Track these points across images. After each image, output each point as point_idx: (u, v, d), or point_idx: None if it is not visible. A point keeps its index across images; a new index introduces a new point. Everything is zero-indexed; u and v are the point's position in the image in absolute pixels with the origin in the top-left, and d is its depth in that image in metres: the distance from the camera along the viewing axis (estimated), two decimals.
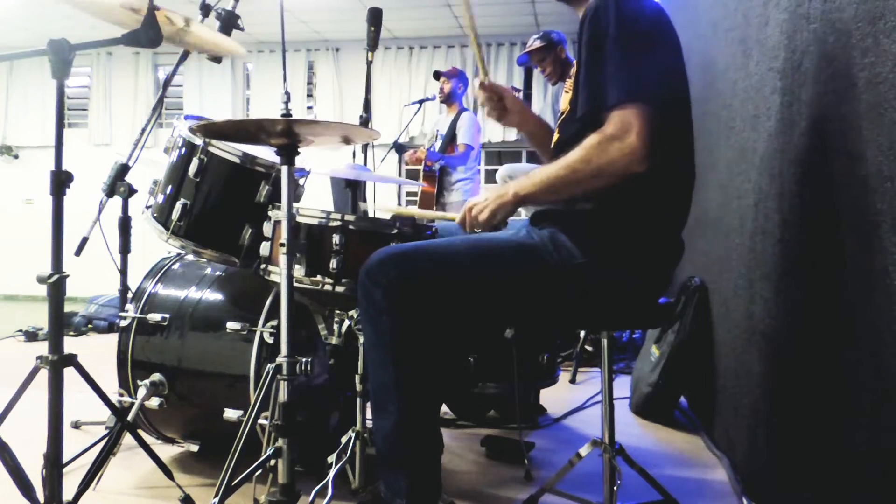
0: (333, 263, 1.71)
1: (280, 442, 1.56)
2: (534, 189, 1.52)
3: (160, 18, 1.61)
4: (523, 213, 3.89)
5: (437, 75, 4.96)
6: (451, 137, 4.89)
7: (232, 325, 1.97)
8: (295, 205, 1.68)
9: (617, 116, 1.42)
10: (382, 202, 4.35)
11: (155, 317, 2.08)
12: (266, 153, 2.03)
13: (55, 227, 1.48)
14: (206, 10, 2.09)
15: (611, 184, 1.46)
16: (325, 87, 7.67)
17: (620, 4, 1.47)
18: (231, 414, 1.95)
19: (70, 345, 1.50)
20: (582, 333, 3.69)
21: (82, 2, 1.71)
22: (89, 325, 5.13)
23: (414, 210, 4.75)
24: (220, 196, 2.06)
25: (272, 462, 1.59)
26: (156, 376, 2.04)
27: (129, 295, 2.25)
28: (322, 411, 2.16)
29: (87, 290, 5.15)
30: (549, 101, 4.24)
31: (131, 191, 2.13)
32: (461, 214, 1.60)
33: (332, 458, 1.87)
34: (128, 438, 1.91)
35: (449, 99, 4.88)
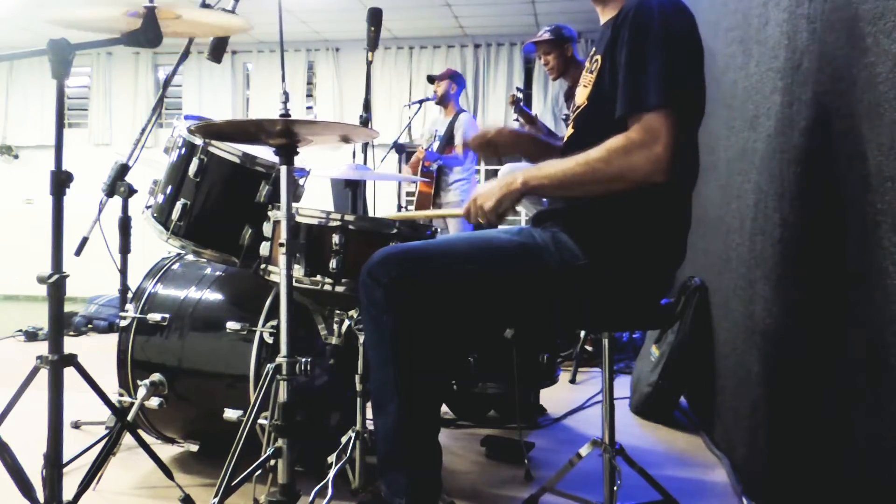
0: (333, 263, 1.71)
1: (280, 442, 1.56)
2: (545, 181, 1.50)
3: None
4: (523, 217, 3.89)
5: (430, 79, 4.97)
6: (448, 139, 4.89)
7: (232, 325, 1.97)
8: (294, 205, 1.68)
9: (645, 122, 1.41)
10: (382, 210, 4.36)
11: (155, 317, 2.08)
12: (266, 153, 2.02)
13: (55, 227, 1.48)
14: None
15: (626, 189, 1.45)
16: (325, 87, 7.67)
17: (664, 7, 1.47)
18: (231, 414, 1.95)
19: (70, 345, 1.50)
20: (582, 333, 3.69)
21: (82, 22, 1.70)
22: (89, 325, 5.12)
23: (414, 213, 4.76)
24: (220, 196, 2.06)
25: (272, 462, 1.59)
26: (156, 376, 2.04)
27: (129, 295, 2.25)
28: (322, 411, 2.16)
29: (87, 290, 5.15)
30: (550, 102, 4.23)
31: (131, 191, 2.13)
32: (466, 205, 1.59)
33: (332, 458, 1.87)
34: (128, 438, 1.91)
35: (444, 101, 4.89)
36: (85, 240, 1.90)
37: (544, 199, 3.73)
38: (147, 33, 1.56)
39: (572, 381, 3.55)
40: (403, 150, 5.11)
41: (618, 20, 1.52)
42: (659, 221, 1.57)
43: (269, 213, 1.84)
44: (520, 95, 4.20)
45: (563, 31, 3.81)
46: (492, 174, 7.31)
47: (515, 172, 1.53)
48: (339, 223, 1.73)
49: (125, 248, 2.63)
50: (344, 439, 1.91)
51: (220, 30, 1.93)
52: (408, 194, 6.80)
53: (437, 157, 4.76)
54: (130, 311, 2.13)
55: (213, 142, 2.01)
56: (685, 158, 1.56)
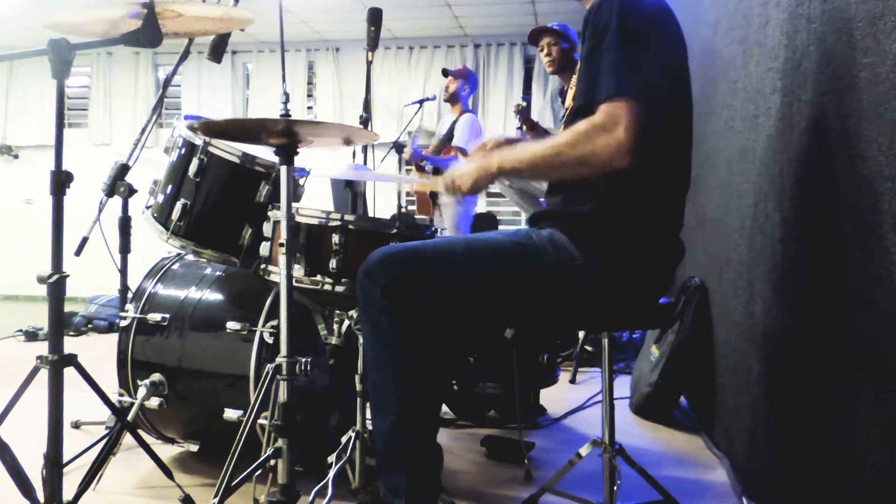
0: (333, 263, 1.71)
1: (280, 442, 1.56)
2: (518, 165, 1.53)
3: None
4: (522, 218, 3.89)
5: (445, 73, 4.88)
6: (448, 138, 4.85)
7: (232, 325, 1.97)
8: (294, 205, 1.68)
9: (606, 109, 1.42)
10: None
11: (155, 317, 2.08)
12: (266, 153, 2.03)
13: (55, 227, 1.48)
14: None
15: (593, 174, 1.47)
16: (325, 87, 7.67)
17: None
18: (231, 414, 1.95)
19: (70, 345, 1.50)
20: (582, 333, 3.69)
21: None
22: (89, 325, 5.12)
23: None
24: (220, 196, 2.06)
25: (272, 462, 1.59)
26: (156, 376, 2.04)
27: (129, 295, 2.25)
28: (322, 411, 2.16)
29: (87, 290, 5.14)
30: (549, 101, 4.23)
31: (131, 191, 2.13)
32: (444, 181, 1.60)
33: (332, 458, 1.87)
34: (128, 438, 1.91)
35: (453, 99, 4.81)
36: (85, 240, 1.90)
37: (542, 200, 3.74)
38: (147, 33, 1.56)
39: (572, 381, 3.55)
40: (403, 150, 5.08)
41: (587, 15, 1.53)
42: (655, 219, 1.57)
43: (269, 213, 1.84)
44: (524, 104, 4.25)
45: (570, 33, 3.84)
46: None
47: (492, 154, 1.55)
48: (339, 223, 1.73)
49: (125, 248, 2.63)
50: (344, 439, 1.91)
51: (221, 25, 1.92)
52: (408, 194, 6.80)
53: (423, 157, 4.71)
54: (130, 311, 2.13)
55: (214, 141, 2.01)
56: (677, 151, 1.56)
